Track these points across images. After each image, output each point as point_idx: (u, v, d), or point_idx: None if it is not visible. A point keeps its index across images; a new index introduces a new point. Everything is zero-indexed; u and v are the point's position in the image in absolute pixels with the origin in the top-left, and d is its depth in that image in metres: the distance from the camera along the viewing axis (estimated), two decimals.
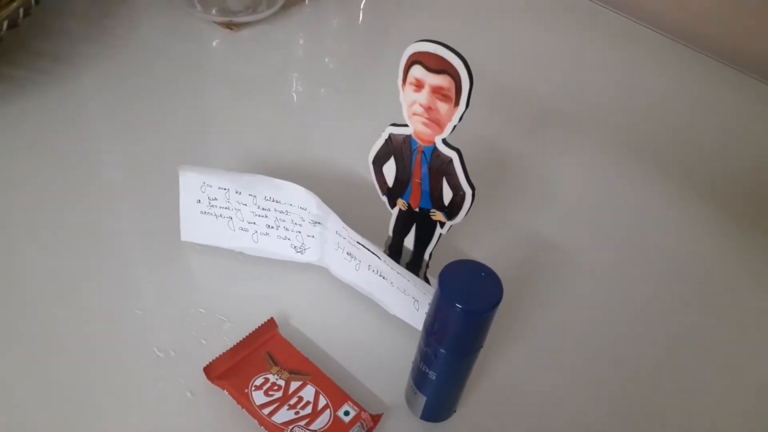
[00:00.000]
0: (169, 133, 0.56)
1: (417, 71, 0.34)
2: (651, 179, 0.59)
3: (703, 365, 0.46)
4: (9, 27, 0.52)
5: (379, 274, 0.43)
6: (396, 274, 0.41)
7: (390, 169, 0.40)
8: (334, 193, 0.44)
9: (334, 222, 0.43)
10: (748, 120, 0.67)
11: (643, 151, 0.62)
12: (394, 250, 0.44)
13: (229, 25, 0.69)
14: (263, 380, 0.39)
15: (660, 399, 0.43)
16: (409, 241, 0.43)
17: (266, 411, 0.38)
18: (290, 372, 0.40)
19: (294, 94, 0.63)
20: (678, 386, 0.44)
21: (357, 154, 0.55)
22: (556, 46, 0.73)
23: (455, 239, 0.49)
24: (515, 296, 0.47)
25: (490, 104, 0.63)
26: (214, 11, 0.69)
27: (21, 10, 0.53)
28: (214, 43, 0.67)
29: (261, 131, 0.58)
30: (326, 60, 0.68)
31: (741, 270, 0.52)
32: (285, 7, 0.72)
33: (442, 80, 0.33)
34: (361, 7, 0.77)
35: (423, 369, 0.37)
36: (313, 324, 0.44)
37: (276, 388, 0.39)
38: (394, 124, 0.38)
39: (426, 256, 0.43)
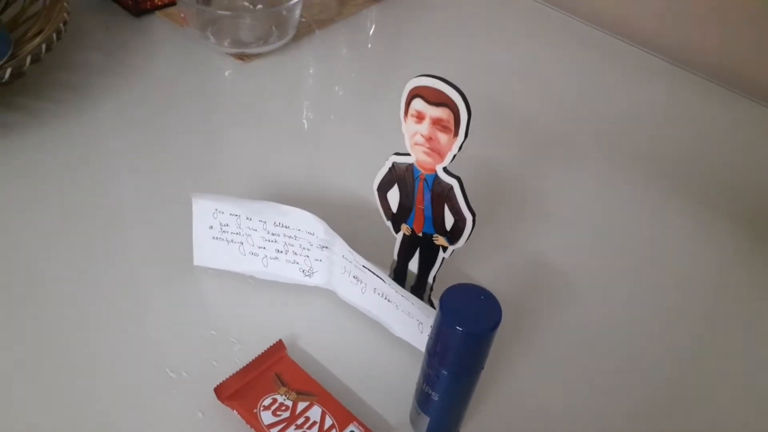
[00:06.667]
0: (183, 161, 0.58)
1: (418, 104, 0.36)
2: (650, 199, 0.60)
3: (711, 379, 0.46)
4: (32, 62, 0.54)
5: (384, 297, 0.44)
6: (401, 297, 0.43)
7: (394, 196, 0.42)
8: (341, 219, 0.46)
9: (340, 246, 0.44)
10: (745, 139, 0.69)
11: (641, 171, 0.63)
12: (399, 274, 0.46)
13: (242, 56, 0.71)
14: (271, 401, 0.40)
15: (664, 418, 0.44)
16: (414, 265, 0.44)
17: (274, 431, 0.39)
18: (298, 393, 0.41)
19: (304, 121, 0.65)
20: (681, 401, 0.45)
21: (363, 181, 0.57)
22: (553, 68, 0.75)
23: (458, 262, 0.50)
24: (517, 317, 0.48)
25: (488, 127, 0.64)
26: (226, 43, 0.71)
27: (43, 46, 0.55)
28: (226, 74, 0.69)
29: (271, 159, 0.59)
30: (336, 88, 0.70)
31: (748, 286, 0.53)
32: (296, 38, 0.74)
33: (442, 112, 0.35)
34: (369, 35, 0.79)
35: (426, 390, 0.38)
36: (320, 346, 0.45)
37: (284, 408, 0.40)
38: (397, 153, 0.40)
39: (430, 279, 0.44)
